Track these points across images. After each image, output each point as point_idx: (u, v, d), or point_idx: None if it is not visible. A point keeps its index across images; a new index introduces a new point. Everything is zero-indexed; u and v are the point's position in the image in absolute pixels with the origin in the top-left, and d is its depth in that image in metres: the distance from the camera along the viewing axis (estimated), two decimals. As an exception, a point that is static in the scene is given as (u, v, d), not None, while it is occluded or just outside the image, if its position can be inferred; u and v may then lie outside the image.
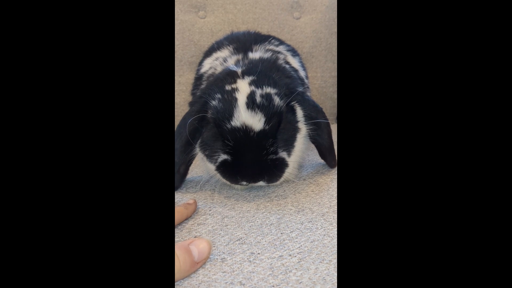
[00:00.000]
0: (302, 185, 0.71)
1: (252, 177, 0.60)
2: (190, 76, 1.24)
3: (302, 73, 0.87)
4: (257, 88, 0.61)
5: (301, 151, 0.68)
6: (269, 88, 0.62)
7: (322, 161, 0.82)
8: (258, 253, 0.48)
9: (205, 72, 0.82)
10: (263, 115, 0.59)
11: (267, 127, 0.59)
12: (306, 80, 0.89)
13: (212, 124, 0.61)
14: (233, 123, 0.59)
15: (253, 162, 0.58)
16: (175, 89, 1.26)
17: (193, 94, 0.88)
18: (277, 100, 0.61)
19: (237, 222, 0.57)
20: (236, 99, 0.60)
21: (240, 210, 0.62)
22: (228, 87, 0.62)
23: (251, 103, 0.59)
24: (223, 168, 0.61)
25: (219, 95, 0.61)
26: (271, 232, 0.53)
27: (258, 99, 0.60)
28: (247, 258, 0.47)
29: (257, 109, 0.59)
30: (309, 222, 0.55)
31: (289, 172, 0.64)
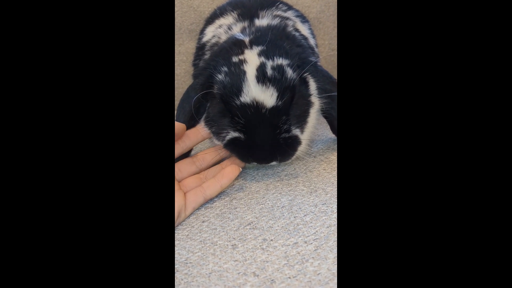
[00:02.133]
0: (313, 162, 0.67)
1: (265, 158, 0.56)
2: (190, 45, 1.17)
3: (312, 41, 0.81)
4: (268, 59, 0.56)
5: (314, 127, 0.64)
6: (281, 59, 0.56)
7: (332, 135, 0.77)
8: (271, 240, 0.45)
9: (207, 41, 0.76)
10: (275, 90, 0.54)
11: (280, 103, 0.54)
12: (316, 49, 0.83)
13: (219, 99, 0.57)
14: (242, 99, 0.54)
15: (265, 141, 0.54)
16: (175, 59, 1.19)
17: (195, 65, 0.82)
18: (289, 72, 0.55)
19: (246, 205, 0.54)
20: (244, 72, 0.55)
21: (249, 190, 0.58)
22: (235, 59, 0.57)
23: (262, 76, 0.54)
24: (232, 147, 0.57)
25: (225, 68, 0.56)
26: (283, 215, 0.50)
27: (269, 71, 0.54)
28: (260, 245, 0.44)
29: (268, 83, 0.54)
30: (323, 204, 0.52)
31: (301, 150, 0.60)
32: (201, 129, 0.60)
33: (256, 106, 0.53)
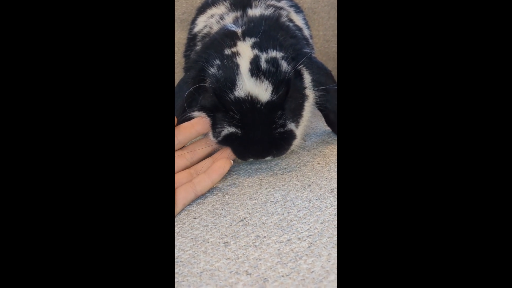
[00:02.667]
0: (307, 156, 0.66)
1: (261, 154, 0.55)
2: (181, 36, 1.14)
3: (306, 32, 0.79)
4: (261, 52, 0.54)
5: (308, 120, 0.63)
6: (275, 51, 0.55)
7: (326, 128, 0.77)
8: (264, 237, 0.44)
9: (199, 32, 0.74)
10: (270, 84, 0.52)
11: (275, 97, 0.53)
12: (310, 40, 0.81)
13: (212, 94, 0.55)
14: (236, 94, 0.52)
15: (261, 137, 0.53)
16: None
17: (186, 56, 0.80)
18: (284, 65, 0.54)
19: (239, 200, 0.53)
20: (237, 65, 0.53)
21: (242, 185, 0.57)
22: (227, 51, 0.55)
23: (256, 69, 0.53)
24: (228, 143, 0.56)
25: (218, 61, 0.54)
26: (277, 211, 0.49)
27: (263, 64, 0.53)
28: (252, 243, 0.43)
29: (262, 77, 0.52)
30: (317, 199, 0.51)
31: (295, 144, 0.60)
32: (195, 124, 0.58)
33: (251, 101, 0.52)
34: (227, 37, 0.57)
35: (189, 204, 0.53)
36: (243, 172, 0.62)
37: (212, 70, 0.54)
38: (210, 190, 0.56)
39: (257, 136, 0.54)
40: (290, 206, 0.50)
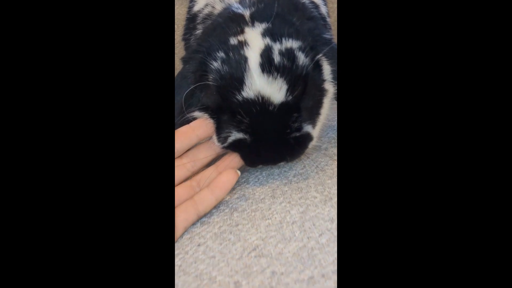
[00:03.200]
0: (324, 157, 0.58)
1: (273, 161, 0.48)
2: (180, 11, 1.03)
3: (323, 10, 0.69)
4: (274, 41, 0.45)
5: (326, 118, 0.54)
6: (291, 40, 0.45)
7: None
8: (282, 273, 0.37)
9: (199, 11, 0.64)
10: (284, 82, 0.43)
11: (290, 97, 0.44)
12: (328, 19, 0.70)
13: (215, 92, 0.46)
14: (244, 94, 0.44)
15: (274, 143, 0.45)
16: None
17: (185, 39, 0.70)
18: (301, 58, 0.45)
19: (250, 220, 0.45)
20: (246, 59, 0.44)
21: (253, 198, 0.50)
22: (233, 41, 0.46)
23: (268, 64, 0.43)
24: (235, 150, 0.48)
25: (221, 53, 0.45)
26: (295, 236, 0.42)
27: (276, 58, 0.44)
28: (268, 282, 0.36)
29: (276, 73, 0.43)
30: (341, 218, 0.44)
31: (312, 147, 0.51)
32: (196, 128, 0.49)
33: (262, 103, 0.44)
34: (232, 22, 0.48)
35: (192, 226, 0.46)
36: (253, 179, 0.54)
37: (215, 64, 0.45)
38: (216, 205, 0.49)
39: (269, 143, 0.46)
40: (310, 228, 0.43)
